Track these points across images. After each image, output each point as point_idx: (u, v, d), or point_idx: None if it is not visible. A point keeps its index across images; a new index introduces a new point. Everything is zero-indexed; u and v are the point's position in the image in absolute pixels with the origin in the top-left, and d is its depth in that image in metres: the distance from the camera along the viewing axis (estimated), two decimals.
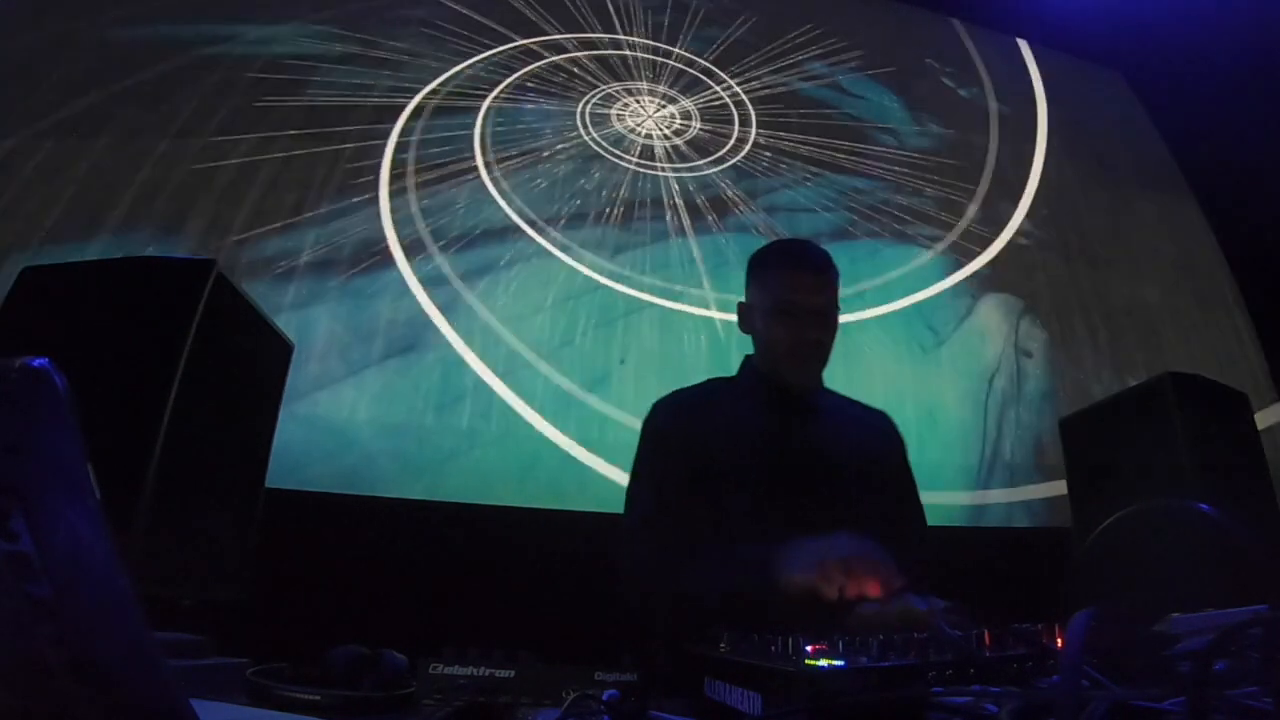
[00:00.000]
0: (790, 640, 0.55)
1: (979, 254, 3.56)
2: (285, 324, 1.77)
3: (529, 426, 2.64)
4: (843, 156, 3.65)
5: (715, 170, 3.42)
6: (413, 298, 2.75)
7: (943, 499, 2.81)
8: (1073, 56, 4.55)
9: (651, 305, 2.96)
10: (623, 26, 3.74)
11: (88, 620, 0.33)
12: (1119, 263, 3.79)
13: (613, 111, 3.48)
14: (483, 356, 2.71)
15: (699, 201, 3.30)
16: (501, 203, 3.06)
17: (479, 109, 3.29)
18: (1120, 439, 2.15)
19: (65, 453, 0.32)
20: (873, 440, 1.30)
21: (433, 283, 2.80)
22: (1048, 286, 3.58)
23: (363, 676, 0.73)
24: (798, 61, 3.89)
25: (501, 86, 3.37)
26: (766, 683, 0.52)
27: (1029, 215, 3.80)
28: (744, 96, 3.69)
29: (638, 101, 3.55)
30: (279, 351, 1.70)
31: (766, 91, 3.74)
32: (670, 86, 3.65)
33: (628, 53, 3.67)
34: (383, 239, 2.84)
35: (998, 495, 2.97)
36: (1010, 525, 2.90)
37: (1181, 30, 3.91)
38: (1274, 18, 3.49)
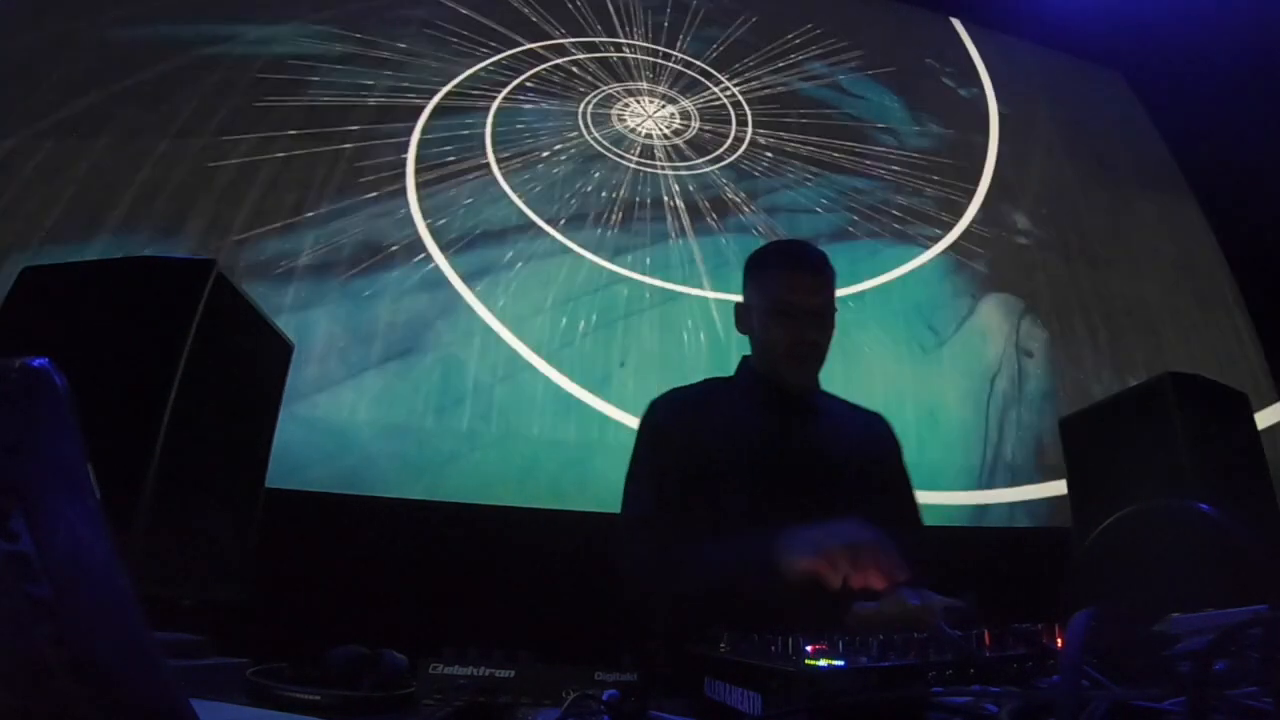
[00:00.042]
0: (790, 640, 0.55)
1: (980, 254, 3.56)
2: (285, 324, 1.77)
3: (529, 428, 2.64)
4: (843, 156, 3.65)
5: (714, 169, 3.42)
6: (423, 295, 2.75)
7: (944, 499, 2.82)
8: (1073, 56, 4.55)
9: (651, 306, 2.96)
10: (623, 26, 3.74)
11: (88, 620, 0.33)
12: (1119, 263, 3.79)
13: (613, 111, 3.48)
14: (482, 357, 2.71)
15: (699, 201, 3.30)
16: (516, 200, 3.07)
17: (487, 109, 3.29)
18: (1120, 439, 2.15)
19: (65, 453, 0.32)
20: (870, 441, 1.30)
21: (434, 284, 2.80)
22: (1048, 286, 3.58)
23: (363, 676, 0.72)
24: (798, 61, 3.89)
25: (510, 88, 3.37)
26: (766, 683, 0.52)
27: (1028, 214, 3.80)
28: (744, 97, 3.69)
29: (638, 101, 3.56)
30: (279, 351, 1.70)
31: (766, 91, 3.74)
32: (670, 87, 3.65)
33: (628, 54, 3.67)
34: (396, 238, 2.84)
35: (999, 495, 2.97)
36: (1011, 525, 2.90)
37: (1181, 30, 3.91)
38: (1274, 18, 3.49)
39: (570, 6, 3.68)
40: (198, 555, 1.32)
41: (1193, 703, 0.38)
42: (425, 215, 2.94)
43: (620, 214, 3.17)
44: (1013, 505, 2.96)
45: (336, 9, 3.39)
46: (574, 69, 3.54)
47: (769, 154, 3.55)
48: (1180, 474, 1.88)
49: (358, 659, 0.74)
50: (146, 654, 0.35)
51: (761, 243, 1.40)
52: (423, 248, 2.86)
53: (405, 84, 3.25)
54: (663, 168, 3.37)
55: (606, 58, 3.64)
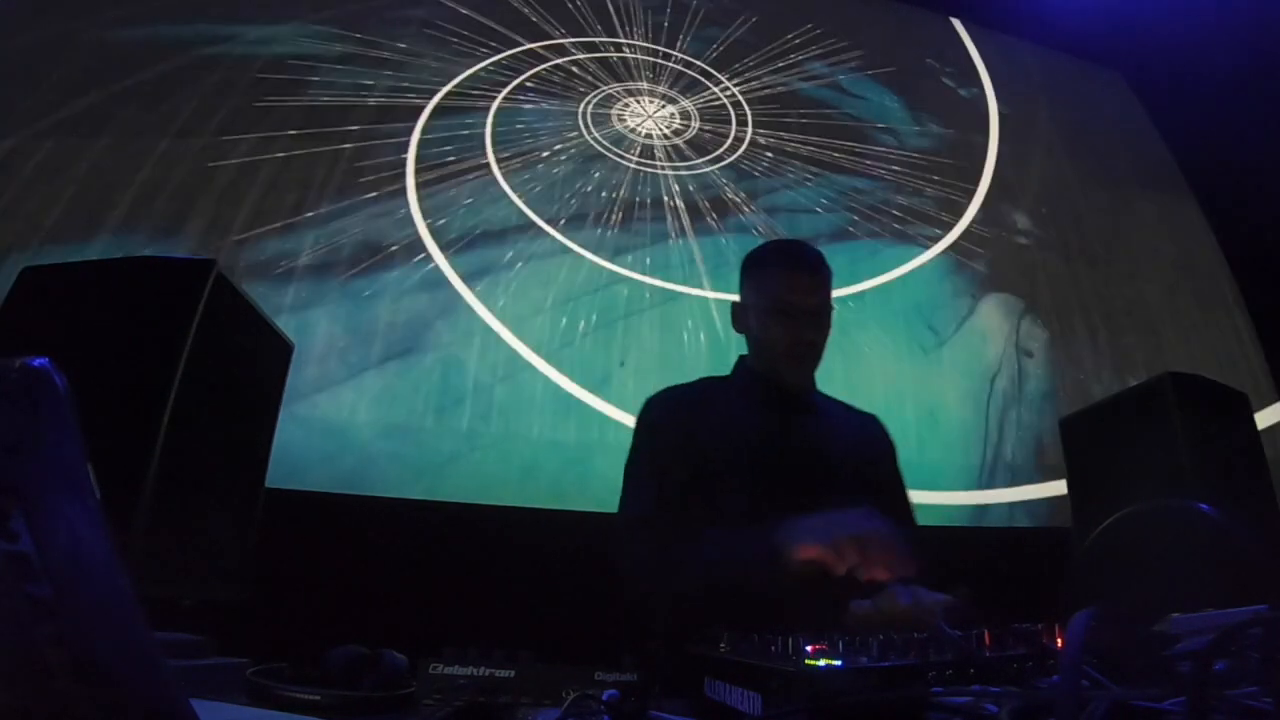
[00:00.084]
0: (790, 640, 0.55)
1: (979, 254, 3.56)
2: (285, 324, 1.77)
3: (529, 428, 2.64)
4: (843, 156, 3.65)
5: (713, 169, 3.42)
6: (423, 295, 2.75)
7: (944, 499, 2.82)
8: (1073, 56, 4.56)
9: (651, 307, 2.96)
10: (623, 26, 3.74)
11: (88, 620, 0.33)
12: (1119, 263, 3.79)
13: (613, 111, 3.48)
14: (482, 357, 2.71)
15: (699, 201, 3.30)
16: (516, 200, 3.07)
17: (487, 109, 3.29)
18: (1120, 439, 2.15)
19: (65, 453, 0.32)
20: (866, 442, 1.30)
21: (434, 285, 2.80)
22: (1048, 286, 3.58)
23: (363, 676, 0.73)
24: (798, 61, 3.89)
25: (510, 88, 3.37)
26: (766, 683, 0.52)
27: (1028, 214, 3.80)
28: (744, 97, 3.69)
29: (638, 101, 3.56)
30: (279, 351, 1.70)
31: (766, 91, 3.74)
32: (670, 87, 3.65)
33: (628, 55, 3.67)
34: (396, 238, 2.84)
35: (999, 495, 2.97)
36: (1012, 525, 2.90)
37: (1181, 30, 3.91)
38: (1274, 18, 3.49)
39: (570, 6, 3.68)
40: (198, 555, 1.32)
41: (1193, 703, 0.38)
42: (425, 215, 2.94)
43: (620, 214, 3.17)
44: (1013, 505, 2.96)
45: (336, 9, 3.39)
46: (574, 69, 3.54)
47: (769, 154, 3.55)
48: (1180, 474, 1.88)
49: (358, 659, 0.74)
50: (146, 654, 0.35)
51: (761, 243, 1.40)
52: (422, 248, 2.86)
53: (405, 84, 3.25)
54: (663, 167, 3.37)
55: (606, 58, 3.64)
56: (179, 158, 2.82)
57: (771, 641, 0.57)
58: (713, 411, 1.20)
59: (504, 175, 3.14)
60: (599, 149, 3.34)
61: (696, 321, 2.96)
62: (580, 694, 0.68)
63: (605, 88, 3.54)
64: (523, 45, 3.50)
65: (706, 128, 3.56)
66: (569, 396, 2.71)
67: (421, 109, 3.21)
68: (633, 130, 3.46)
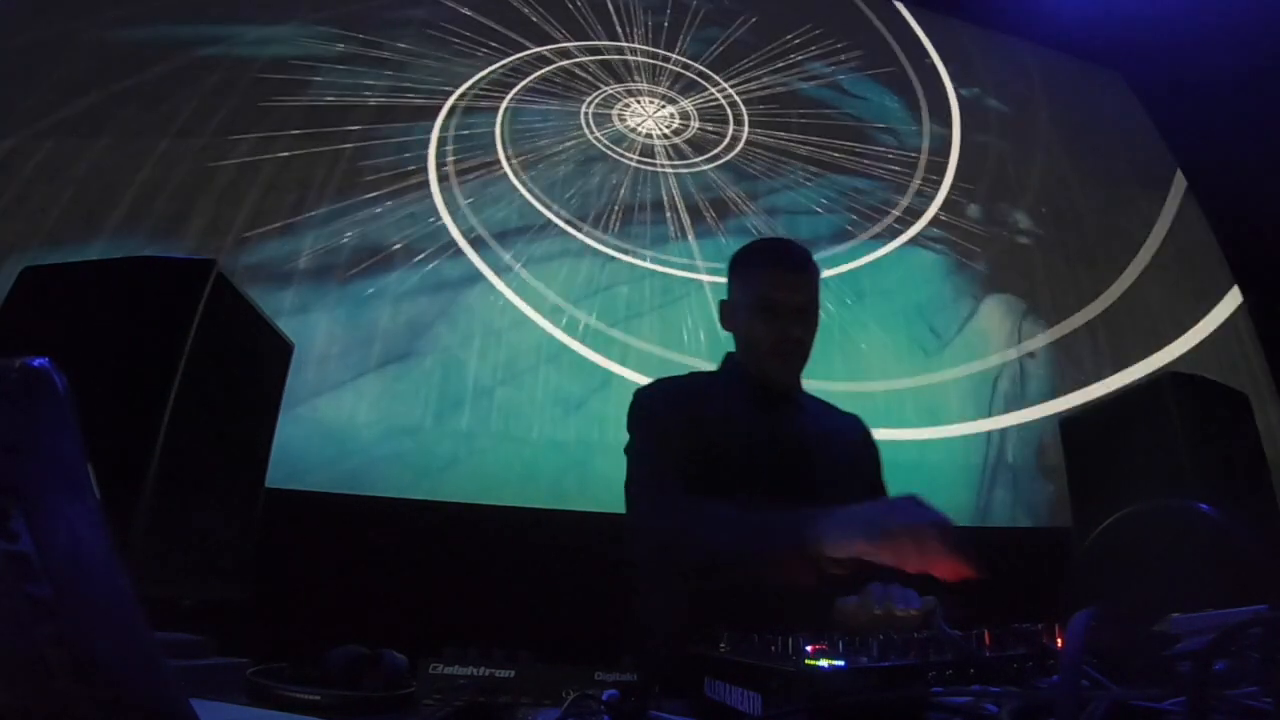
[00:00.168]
0: (790, 640, 0.55)
1: (980, 254, 3.56)
2: (286, 325, 1.77)
3: (529, 430, 2.64)
4: (843, 156, 3.65)
5: (711, 168, 3.42)
6: (422, 297, 2.75)
7: (945, 499, 2.81)
8: (1072, 56, 4.56)
9: (651, 310, 2.97)
10: (622, 26, 3.74)
11: (88, 620, 0.33)
12: (1119, 262, 3.79)
13: (614, 112, 3.48)
14: (482, 358, 2.71)
15: (699, 201, 3.30)
16: (530, 198, 3.07)
17: (495, 109, 3.29)
18: (1120, 439, 2.15)
19: (65, 453, 0.32)
20: (851, 441, 1.31)
21: (434, 286, 2.80)
22: (1048, 286, 3.58)
23: (363, 676, 0.73)
24: (797, 62, 3.89)
25: (517, 89, 3.37)
26: (766, 683, 0.52)
27: (1029, 214, 3.80)
28: (744, 97, 3.69)
29: (638, 102, 3.55)
30: (279, 351, 1.70)
31: (767, 91, 3.74)
32: (670, 87, 3.65)
33: (629, 57, 3.67)
34: (395, 239, 2.84)
35: (1000, 496, 2.97)
36: (1014, 525, 2.90)
37: (1181, 30, 3.91)
38: (1274, 18, 3.49)
39: (571, 7, 3.68)
40: (198, 555, 1.32)
41: (1193, 703, 0.38)
42: (427, 215, 2.94)
43: (620, 212, 3.17)
44: (1015, 505, 2.96)
45: (337, 9, 3.39)
46: (577, 70, 3.54)
47: (769, 154, 3.55)
48: (1180, 474, 1.88)
49: (358, 659, 0.74)
50: (146, 654, 0.35)
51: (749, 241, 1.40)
52: (421, 248, 2.86)
53: (406, 84, 3.25)
54: (662, 166, 3.37)
55: (608, 59, 3.64)
56: (179, 158, 2.81)
57: (771, 641, 0.57)
58: (703, 404, 1.20)
59: (510, 174, 3.14)
60: (600, 148, 3.34)
61: (695, 320, 2.96)
62: (580, 694, 0.68)
63: (606, 88, 3.54)
64: (531, 49, 3.50)
65: (706, 128, 3.56)
66: (569, 397, 2.72)
67: (422, 109, 3.21)
68: (633, 130, 3.46)
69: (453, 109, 3.25)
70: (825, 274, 1.36)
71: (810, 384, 1.33)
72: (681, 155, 3.44)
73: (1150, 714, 0.42)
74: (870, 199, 3.55)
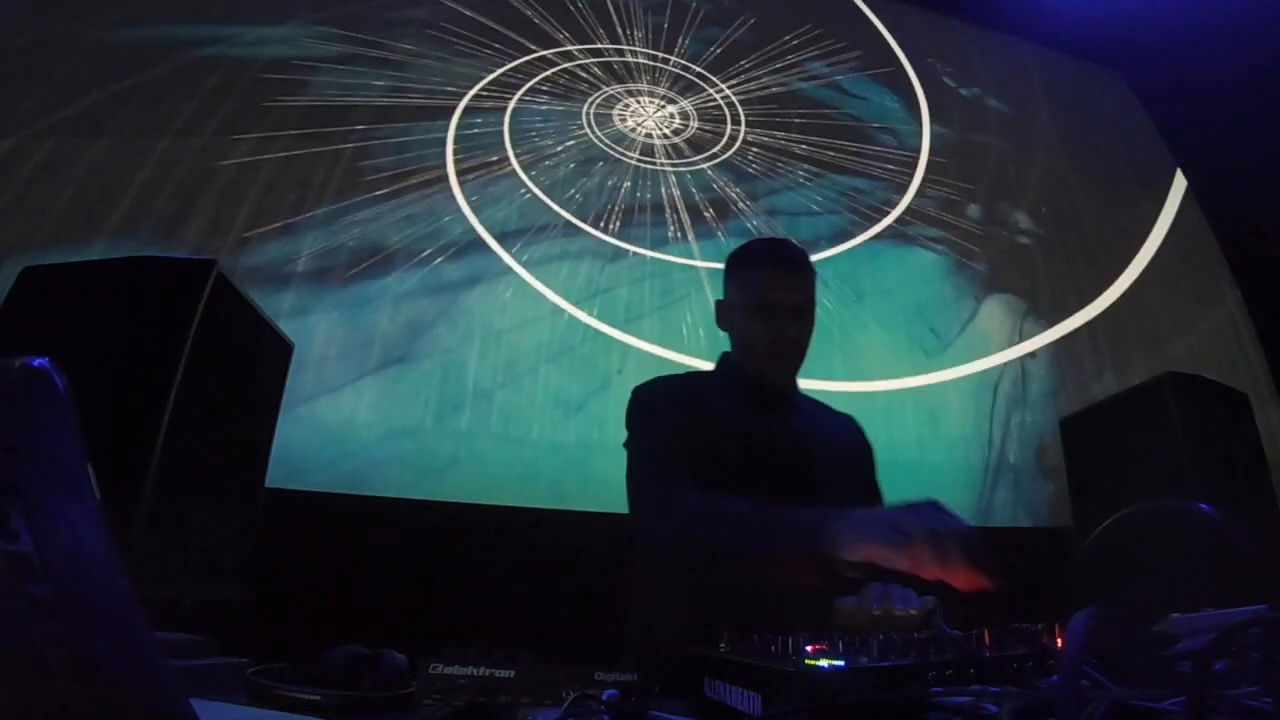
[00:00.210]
0: (790, 640, 0.55)
1: (980, 254, 3.56)
2: (286, 326, 1.77)
3: (529, 431, 2.64)
4: (843, 156, 3.65)
5: (711, 165, 3.42)
6: (422, 298, 2.75)
7: (945, 500, 2.81)
8: (1072, 56, 4.56)
9: (651, 312, 2.97)
10: (622, 26, 3.74)
11: (88, 620, 0.33)
12: (1119, 262, 3.79)
13: (614, 112, 3.48)
14: (482, 359, 2.71)
15: (699, 201, 3.30)
16: (542, 195, 3.08)
17: (501, 110, 3.30)
18: (1120, 439, 2.16)
19: (65, 453, 0.32)
20: (846, 442, 1.31)
21: (435, 288, 2.80)
22: (1048, 286, 3.58)
23: (363, 676, 0.73)
24: (797, 62, 3.89)
25: (522, 90, 3.37)
26: (766, 683, 0.52)
27: (1029, 214, 3.81)
28: (744, 97, 3.69)
29: (638, 102, 3.56)
30: (279, 351, 1.70)
31: (766, 92, 3.74)
32: (670, 88, 3.65)
33: (629, 59, 3.67)
34: (394, 239, 2.84)
35: (1002, 496, 2.97)
36: (1015, 525, 2.90)
37: (1181, 30, 3.91)
38: (1274, 18, 3.50)
39: (571, 8, 3.68)
40: (198, 555, 1.32)
41: (1193, 703, 0.38)
42: (430, 216, 2.94)
43: (621, 212, 3.17)
44: (1016, 505, 2.96)
45: (336, 9, 3.39)
46: (579, 71, 3.54)
47: (769, 154, 3.55)
48: (1180, 474, 1.88)
49: (358, 659, 0.74)
50: (146, 654, 0.35)
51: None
52: (420, 249, 2.86)
53: (406, 84, 3.25)
54: (662, 165, 3.37)
55: (609, 61, 3.64)
56: (179, 158, 2.81)
57: (771, 641, 0.57)
58: (701, 403, 1.20)
59: (522, 172, 3.15)
60: (602, 148, 3.34)
61: (695, 319, 2.96)
62: (580, 694, 0.68)
63: (607, 89, 3.54)
64: (535, 52, 3.49)
65: (705, 127, 3.56)
66: (569, 398, 2.72)
67: (422, 109, 3.21)
68: (633, 130, 3.46)
69: (460, 110, 3.25)
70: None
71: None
72: (681, 155, 3.44)
73: (1150, 714, 0.42)
74: (870, 199, 3.55)
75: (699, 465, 1.10)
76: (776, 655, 0.55)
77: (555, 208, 3.10)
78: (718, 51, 3.78)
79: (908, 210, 3.57)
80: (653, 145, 3.43)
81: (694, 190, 3.33)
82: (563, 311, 2.88)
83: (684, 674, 0.68)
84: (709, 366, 1.36)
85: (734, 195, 3.37)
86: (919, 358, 3.19)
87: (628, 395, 1.23)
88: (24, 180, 2.63)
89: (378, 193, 2.93)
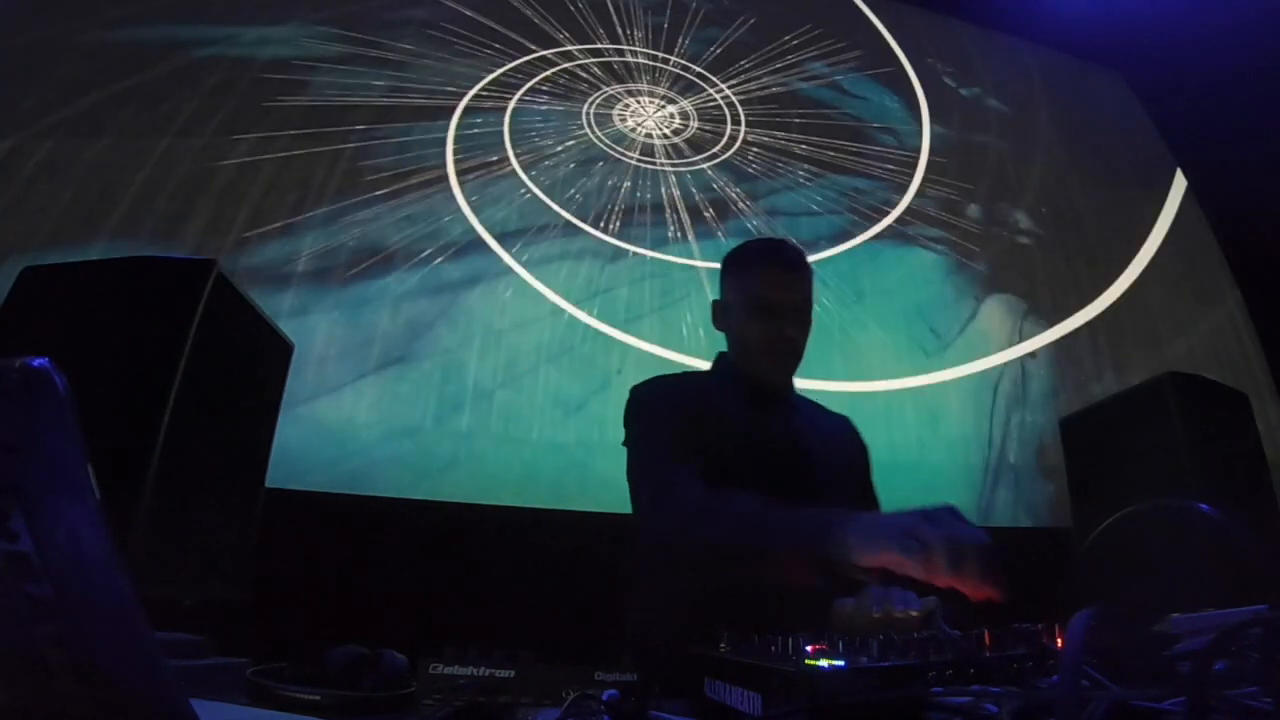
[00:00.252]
0: (790, 640, 0.55)
1: (980, 254, 3.56)
2: (286, 326, 1.77)
3: (529, 431, 2.64)
4: (843, 156, 3.65)
5: (711, 165, 3.42)
6: (422, 299, 2.75)
7: (946, 500, 2.81)
8: (1072, 56, 4.56)
9: (651, 312, 2.97)
10: (622, 27, 3.74)
11: (88, 620, 0.33)
12: (1119, 262, 3.79)
13: (614, 112, 3.49)
14: (482, 360, 2.71)
15: (699, 202, 3.30)
16: (543, 197, 3.08)
17: (501, 110, 3.30)
18: (1120, 439, 2.16)
19: (65, 453, 0.32)
20: (843, 442, 1.32)
21: (435, 289, 2.80)
22: (1048, 286, 3.58)
23: (363, 676, 0.73)
24: (797, 62, 3.89)
25: (522, 91, 3.37)
26: (766, 683, 0.52)
27: (1029, 214, 3.81)
28: (744, 97, 3.69)
29: (638, 102, 3.56)
30: (279, 351, 1.70)
31: (766, 92, 3.74)
32: (670, 88, 3.65)
33: (629, 59, 3.67)
34: (394, 240, 2.84)
35: (1002, 496, 2.97)
36: (1015, 525, 2.90)
37: (1181, 30, 3.91)
38: (1274, 18, 3.50)
39: (571, 8, 3.68)
40: (198, 555, 1.32)
41: (1193, 703, 0.38)
42: (430, 216, 2.94)
43: (621, 212, 3.17)
44: (1016, 505, 2.96)
45: (337, 9, 3.39)
46: (579, 71, 3.54)
47: (769, 154, 3.55)
48: (1180, 474, 1.88)
49: (358, 659, 0.74)
50: (146, 654, 0.35)
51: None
52: (420, 249, 2.86)
53: (406, 84, 3.25)
54: (662, 165, 3.37)
55: (609, 62, 3.64)
56: (179, 158, 2.81)
57: (771, 641, 0.57)
58: (699, 402, 1.20)
59: (522, 172, 3.15)
60: (602, 147, 3.34)
61: (695, 320, 2.96)
62: (580, 694, 0.68)
63: (607, 89, 3.54)
64: (535, 52, 3.49)
65: (705, 127, 3.56)
66: (569, 398, 2.72)
67: (422, 109, 3.20)
68: (633, 130, 3.46)
69: (460, 110, 3.25)
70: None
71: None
72: (681, 155, 3.44)
73: (1150, 714, 0.42)
74: (870, 199, 3.55)
75: (699, 464, 1.10)
76: (776, 655, 0.55)
77: (555, 208, 3.10)
78: (718, 52, 3.78)
79: (908, 210, 3.57)
80: (653, 145, 3.43)
81: (694, 190, 3.33)
82: (563, 311, 2.88)
83: (684, 674, 0.68)
84: (708, 367, 1.35)
85: (734, 195, 3.37)
86: (919, 358, 3.19)
87: (627, 395, 1.23)
88: (24, 180, 2.63)
89: (378, 193, 2.93)
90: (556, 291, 2.91)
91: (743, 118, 3.62)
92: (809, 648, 0.53)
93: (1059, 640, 0.57)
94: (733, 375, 1.25)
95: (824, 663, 0.50)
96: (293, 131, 2.98)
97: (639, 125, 3.48)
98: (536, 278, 2.92)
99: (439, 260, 2.85)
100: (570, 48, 3.57)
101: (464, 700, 0.70)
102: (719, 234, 3.22)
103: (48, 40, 2.97)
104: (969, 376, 3.21)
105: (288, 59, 3.18)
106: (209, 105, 2.98)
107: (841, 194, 3.53)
